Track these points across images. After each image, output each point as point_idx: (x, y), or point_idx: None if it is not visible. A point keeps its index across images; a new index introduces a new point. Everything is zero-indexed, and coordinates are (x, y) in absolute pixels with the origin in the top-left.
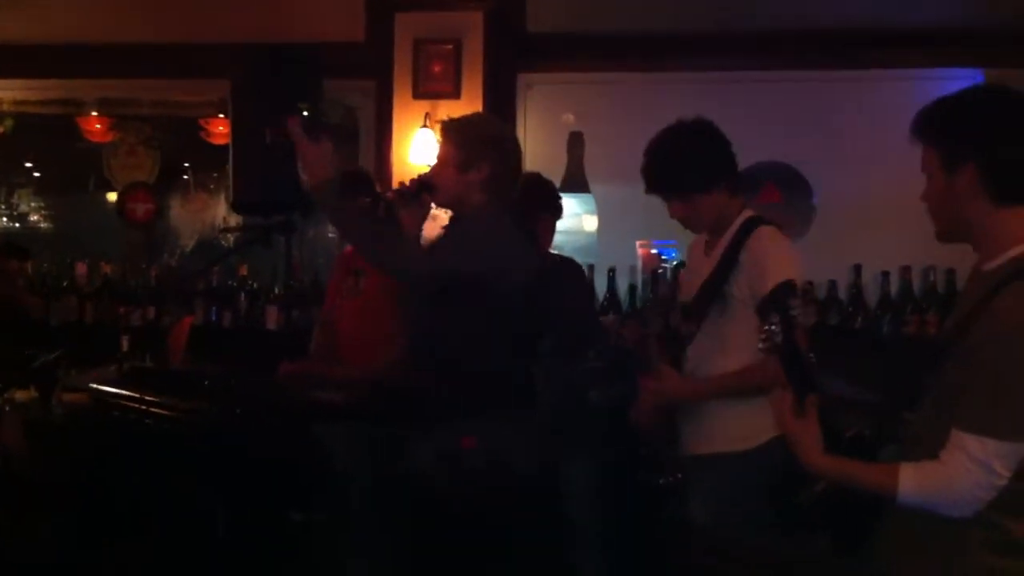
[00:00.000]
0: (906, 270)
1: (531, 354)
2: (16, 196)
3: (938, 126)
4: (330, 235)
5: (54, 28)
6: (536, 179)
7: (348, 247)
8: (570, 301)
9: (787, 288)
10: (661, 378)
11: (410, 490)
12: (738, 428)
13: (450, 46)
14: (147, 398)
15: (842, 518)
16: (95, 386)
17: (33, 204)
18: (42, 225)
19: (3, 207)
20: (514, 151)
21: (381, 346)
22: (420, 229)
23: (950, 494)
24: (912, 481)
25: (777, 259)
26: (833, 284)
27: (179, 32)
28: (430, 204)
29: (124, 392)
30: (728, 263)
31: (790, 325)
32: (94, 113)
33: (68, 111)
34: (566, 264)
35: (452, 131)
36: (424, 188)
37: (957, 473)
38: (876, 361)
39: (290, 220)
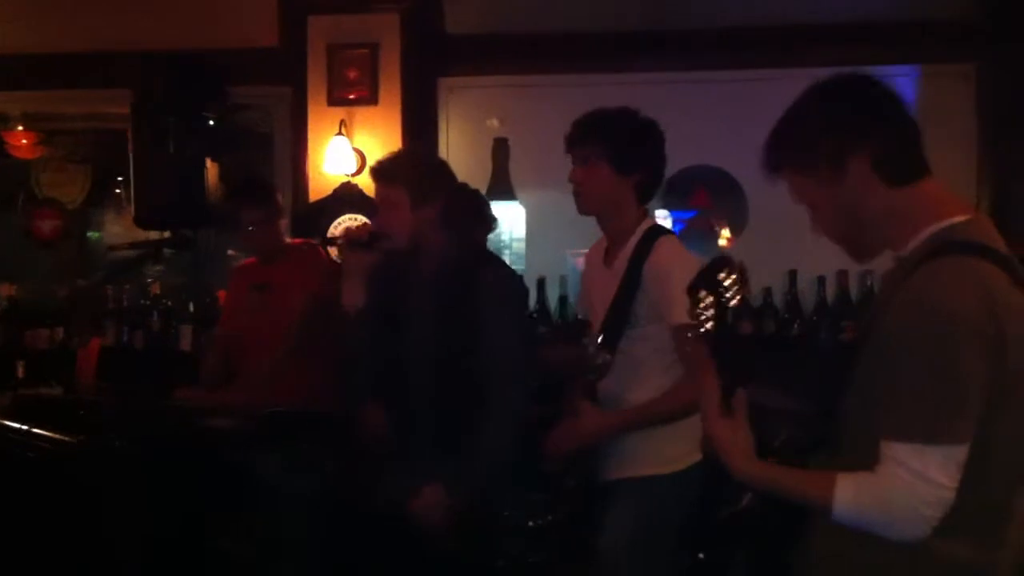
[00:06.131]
0: (843, 275)
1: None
2: None
3: (804, 138)
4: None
5: None
6: (464, 190)
7: (247, 260)
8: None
9: (720, 264)
10: (582, 417)
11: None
12: (664, 451)
13: (366, 50)
14: (30, 429)
15: (761, 536)
16: None
17: None
18: None
19: None
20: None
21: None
22: (366, 275)
23: (889, 512)
24: (849, 495)
25: (680, 273)
26: (768, 291)
27: (91, 41)
28: (381, 249)
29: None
30: (631, 280)
31: (722, 306)
32: (20, 128)
33: None
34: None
35: (393, 172)
36: (378, 238)
37: (894, 488)
38: (814, 369)
39: (185, 235)
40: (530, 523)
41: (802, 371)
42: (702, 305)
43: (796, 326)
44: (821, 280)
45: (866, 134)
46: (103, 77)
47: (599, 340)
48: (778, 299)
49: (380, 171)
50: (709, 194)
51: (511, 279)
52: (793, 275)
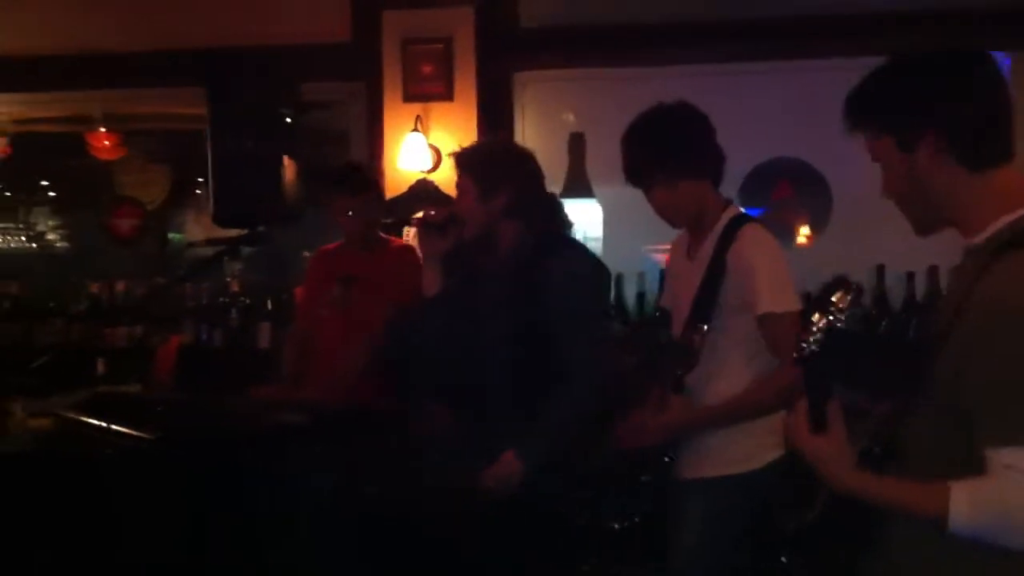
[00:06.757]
0: (933, 270)
1: None
2: (32, 215)
3: (883, 104)
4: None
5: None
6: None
7: (327, 245)
8: None
9: (836, 285)
10: (671, 410)
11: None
12: (737, 451)
13: (440, 45)
14: (108, 426)
15: (832, 547)
16: (59, 412)
17: (50, 223)
18: (57, 244)
19: (21, 226)
20: (535, 167)
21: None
22: (441, 260)
23: (1011, 520)
24: (966, 507)
25: (765, 261)
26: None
27: (165, 39)
28: (456, 235)
29: (84, 419)
30: (715, 270)
31: (833, 329)
32: (101, 129)
33: (77, 128)
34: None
35: (465, 161)
36: (452, 221)
37: (1013, 494)
38: (902, 368)
39: (260, 232)
40: (615, 525)
41: (890, 370)
42: (814, 327)
43: (884, 324)
44: (911, 276)
45: (941, 112)
46: (178, 75)
47: (683, 332)
48: (866, 296)
49: (456, 158)
50: (792, 186)
51: (584, 263)
52: (881, 271)
